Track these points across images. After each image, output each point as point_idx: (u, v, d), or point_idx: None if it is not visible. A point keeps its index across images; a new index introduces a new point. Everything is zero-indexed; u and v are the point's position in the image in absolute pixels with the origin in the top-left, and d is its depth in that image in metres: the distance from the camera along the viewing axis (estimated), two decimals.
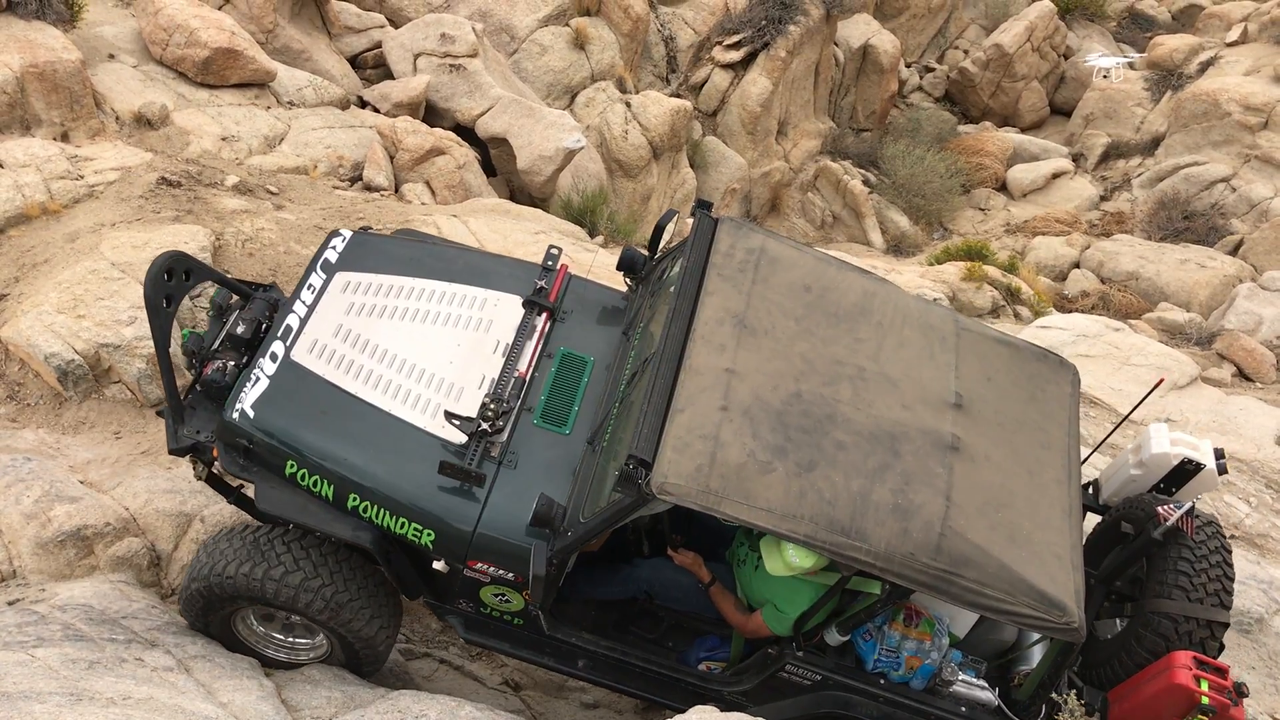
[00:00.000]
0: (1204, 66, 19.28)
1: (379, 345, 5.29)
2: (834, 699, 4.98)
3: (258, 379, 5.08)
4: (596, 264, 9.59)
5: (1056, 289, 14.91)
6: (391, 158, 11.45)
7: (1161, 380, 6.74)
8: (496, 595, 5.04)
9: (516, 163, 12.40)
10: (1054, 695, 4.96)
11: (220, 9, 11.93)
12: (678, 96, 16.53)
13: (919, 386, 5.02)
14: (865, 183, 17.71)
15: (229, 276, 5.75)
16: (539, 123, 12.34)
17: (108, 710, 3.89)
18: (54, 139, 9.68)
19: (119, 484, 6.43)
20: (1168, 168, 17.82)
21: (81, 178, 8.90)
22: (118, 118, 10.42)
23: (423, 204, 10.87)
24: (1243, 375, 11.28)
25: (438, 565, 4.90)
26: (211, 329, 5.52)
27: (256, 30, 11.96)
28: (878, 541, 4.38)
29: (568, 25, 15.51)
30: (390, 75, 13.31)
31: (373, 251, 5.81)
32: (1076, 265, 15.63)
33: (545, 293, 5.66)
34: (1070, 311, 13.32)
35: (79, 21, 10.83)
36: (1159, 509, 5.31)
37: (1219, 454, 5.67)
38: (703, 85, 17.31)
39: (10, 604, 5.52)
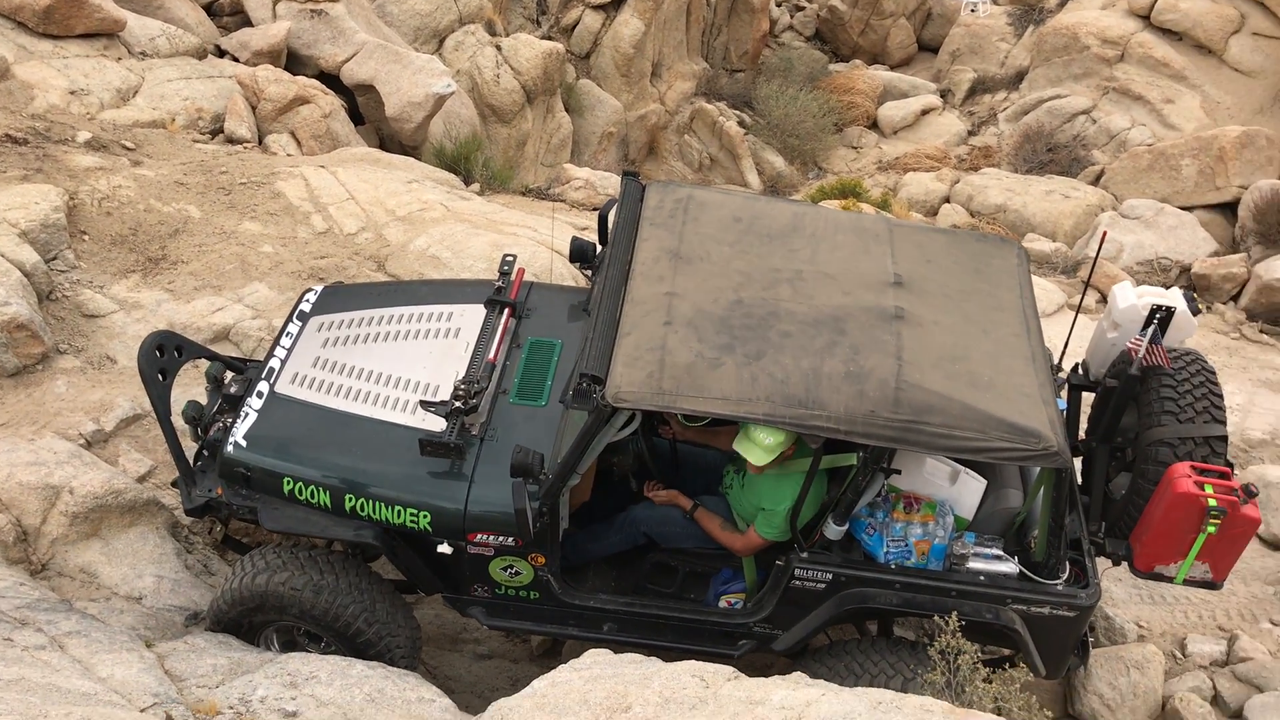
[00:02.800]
0: (1063, 1, 19.75)
1: (355, 366, 5.62)
2: (853, 596, 5.03)
3: (247, 414, 5.43)
4: (474, 212, 9.44)
5: (928, 223, 15.21)
6: (253, 108, 11.03)
7: (1105, 233, 7.00)
8: (506, 569, 5.21)
9: (385, 110, 12.07)
10: (1088, 544, 5.08)
11: None
12: (549, 39, 16.26)
13: (858, 275, 5.16)
14: (740, 124, 17.75)
15: (219, 353, 6.10)
16: (407, 68, 12.00)
17: None
18: None
19: None
20: (1031, 101, 18.25)
21: None
22: None
23: (288, 155, 10.51)
24: (1106, 301, 11.68)
25: (442, 548, 5.09)
26: (211, 398, 5.81)
27: None
28: (836, 407, 4.52)
29: None
30: (249, 22, 12.77)
31: (343, 296, 6.20)
32: (947, 200, 15.93)
33: (505, 291, 5.91)
34: None
35: None
36: (1128, 346, 5.37)
37: (1189, 296, 5.69)
38: (574, 27, 17.08)
39: None
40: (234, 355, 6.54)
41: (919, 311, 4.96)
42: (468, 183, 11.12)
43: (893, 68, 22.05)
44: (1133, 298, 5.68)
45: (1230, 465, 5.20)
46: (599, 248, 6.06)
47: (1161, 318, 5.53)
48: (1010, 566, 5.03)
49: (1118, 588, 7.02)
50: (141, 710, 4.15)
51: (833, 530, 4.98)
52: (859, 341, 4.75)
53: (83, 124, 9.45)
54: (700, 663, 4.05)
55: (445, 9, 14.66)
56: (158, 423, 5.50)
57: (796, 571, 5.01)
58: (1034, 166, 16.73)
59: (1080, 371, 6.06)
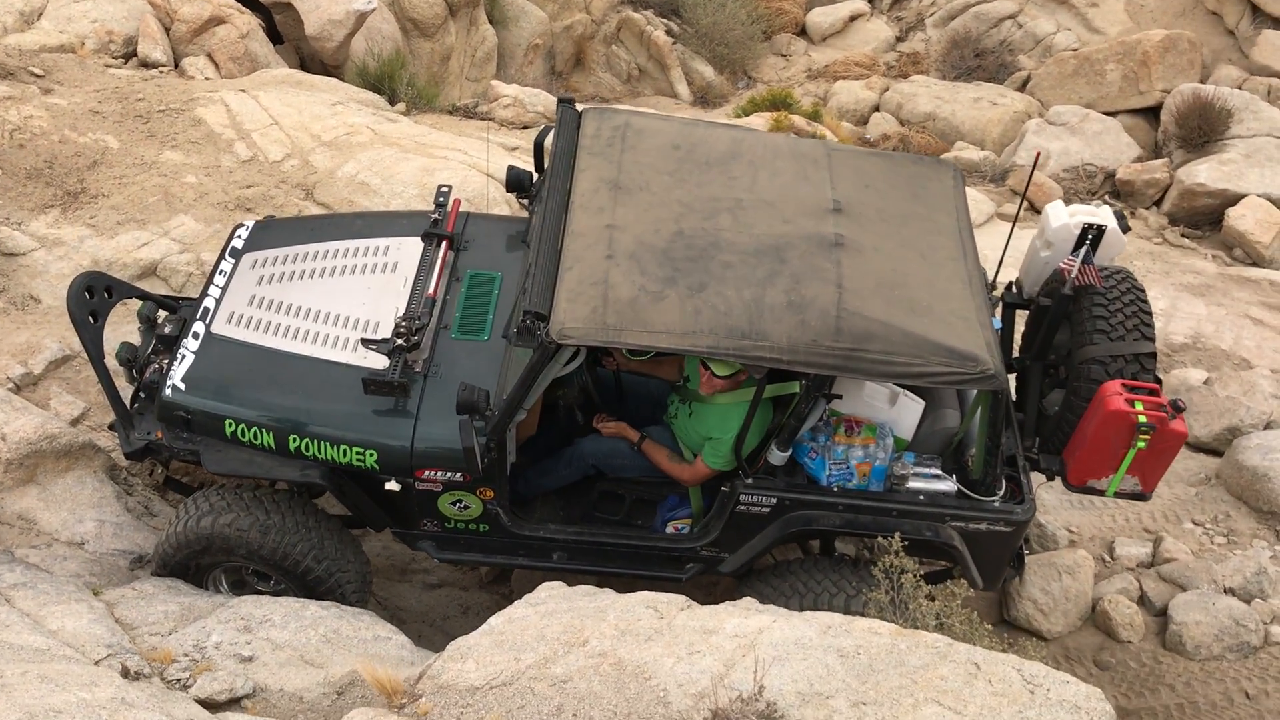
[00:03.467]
0: None
1: (292, 303, 5.52)
2: (796, 519, 5.15)
3: (184, 356, 5.32)
4: (403, 135, 9.25)
5: (859, 133, 15.18)
6: (167, 30, 10.62)
7: (1039, 154, 7.08)
8: (455, 503, 5.22)
9: (305, 29, 11.69)
10: (1022, 460, 5.26)
11: None
12: None
13: (797, 202, 5.18)
14: (669, 33, 17.44)
15: (151, 292, 5.94)
16: None
17: None
18: None
19: None
20: (958, 6, 18.16)
21: None
22: None
23: (206, 79, 10.17)
24: (1035, 209, 11.82)
25: (390, 485, 5.09)
26: (144, 339, 5.71)
27: None
28: (779, 337, 4.58)
29: None
30: None
31: (275, 231, 6.05)
32: (877, 108, 15.87)
33: (441, 224, 5.82)
34: None
35: None
36: (1060, 265, 5.47)
37: (1119, 215, 5.79)
38: None
39: None
40: (165, 294, 6.39)
41: (858, 238, 5.01)
42: (393, 102, 10.86)
43: None
44: (1065, 217, 5.76)
45: (1158, 381, 5.36)
46: (535, 176, 6.01)
47: (1093, 237, 5.61)
48: (949, 485, 5.18)
49: (1049, 494, 7.24)
50: (96, 662, 4.13)
51: (776, 456, 5.07)
52: (800, 270, 4.79)
53: None
54: (653, 594, 4.13)
55: None
56: (91, 366, 5.39)
57: (742, 497, 5.10)
58: (962, 73, 16.72)
59: (1014, 290, 6.17)
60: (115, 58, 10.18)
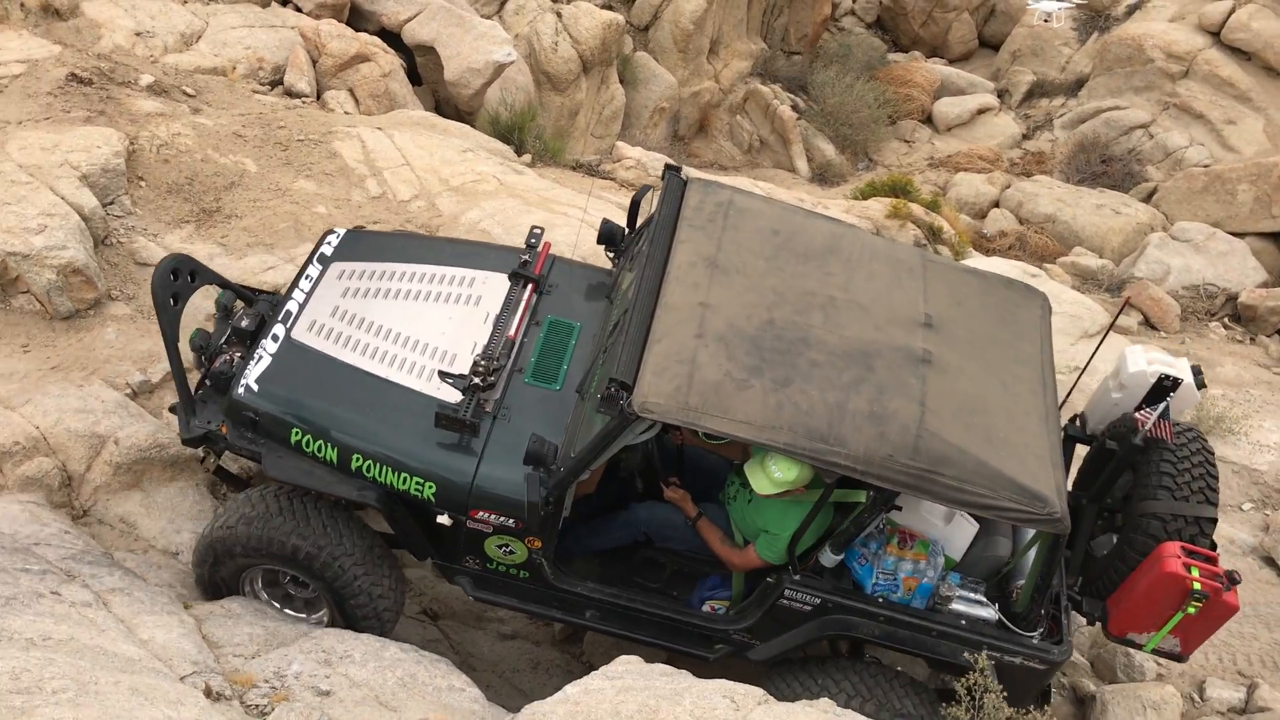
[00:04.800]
0: (1131, 9, 19.45)
1: (374, 321, 5.58)
2: (836, 622, 5.11)
3: (261, 357, 5.38)
4: (527, 187, 9.45)
5: (976, 227, 15.09)
6: (314, 62, 11.04)
7: (1128, 299, 6.98)
8: (501, 547, 5.22)
9: (444, 73, 12.06)
10: (1064, 600, 5.17)
11: None
12: (609, 9, 16.16)
13: (889, 310, 5.17)
14: (794, 108, 17.63)
15: (232, 282, 6.06)
16: (468, 33, 11.98)
17: (29, 653, 3.80)
18: None
19: (28, 401, 6.22)
20: (1089, 110, 18.03)
21: None
22: (23, 5, 9.85)
23: (346, 113, 10.53)
24: (1149, 324, 11.60)
25: (442, 519, 5.10)
26: (218, 328, 5.82)
27: None
28: (856, 446, 4.55)
29: None
30: None
31: (365, 244, 6.14)
32: (996, 204, 15.80)
33: (530, 266, 5.89)
34: (989, 252, 13.52)
35: None
36: (1136, 415, 5.43)
37: (1196, 370, 5.76)
38: None
39: None
40: (246, 285, 6.44)
41: (945, 357, 4.99)
42: (520, 153, 11.11)
43: (951, 62, 21.81)
44: (1142, 364, 5.74)
45: (1214, 546, 5.34)
46: (627, 232, 6.12)
47: (1169, 387, 5.58)
48: (990, 613, 5.13)
49: None
50: (182, 678, 4.24)
51: (828, 559, 5.06)
52: (885, 381, 4.78)
53: (146, 67, 9.49)
54: (731, 683, 4.10)
55: None
56: (165, 347, 5.46)
57: (786, 592, 5.07)
58: (1086, 177, 16.55)
59: (1078, 424, 6.13)
60: (262, 84, 10.60)
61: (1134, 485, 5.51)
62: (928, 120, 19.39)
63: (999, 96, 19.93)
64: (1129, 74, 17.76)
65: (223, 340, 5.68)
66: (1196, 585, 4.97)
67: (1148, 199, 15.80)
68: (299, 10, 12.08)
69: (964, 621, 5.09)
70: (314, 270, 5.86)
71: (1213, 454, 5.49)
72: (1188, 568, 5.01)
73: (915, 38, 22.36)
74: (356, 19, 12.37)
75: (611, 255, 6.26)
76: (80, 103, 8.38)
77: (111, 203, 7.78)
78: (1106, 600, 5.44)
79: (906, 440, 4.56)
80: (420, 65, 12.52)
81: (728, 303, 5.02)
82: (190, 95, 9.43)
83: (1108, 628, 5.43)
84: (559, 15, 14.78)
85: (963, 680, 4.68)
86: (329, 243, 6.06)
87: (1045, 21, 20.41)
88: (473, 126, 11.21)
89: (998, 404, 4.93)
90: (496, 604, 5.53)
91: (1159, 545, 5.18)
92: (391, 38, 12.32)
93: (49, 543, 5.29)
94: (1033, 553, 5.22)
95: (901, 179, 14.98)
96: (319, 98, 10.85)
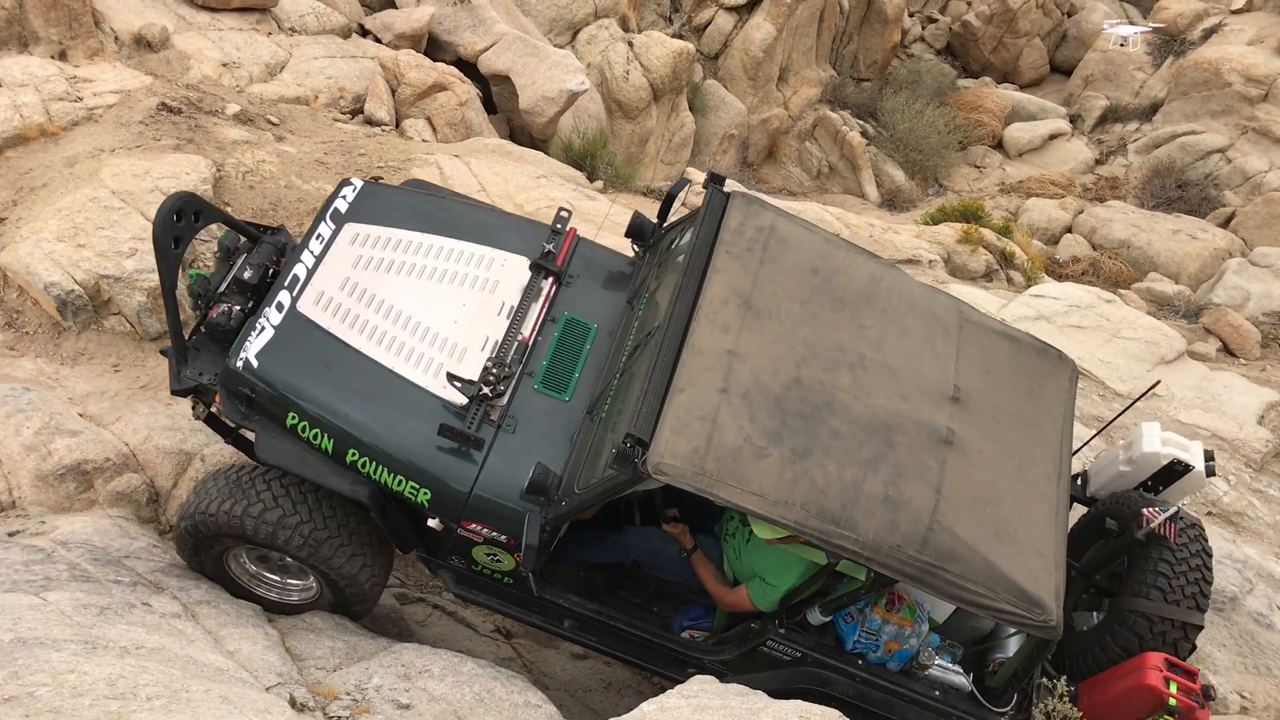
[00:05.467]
0: (1207, 33, 19.19)
1: (385, 301, 5.31)
2: (811, 675, 5.08)
3: (263, 329, 5.10)
4: (599, 213, 9.57)
5: (1048, 253, 14.95)
6: (393, 91, 11.31)
7: (1157, 383, 6.92)
8: (489, 555, 5.10)
9: (519, 102, 12.27)
10: (1038, 681, 5.09)
11: None
12: (680, 38, 16.33)
13: (918, 377, 5.04)
14: (863, 134, 17.63)
15: (237, 219, 5.74)
16: (543, 62, 12.18)
17: (123, 661, 3.93)
18: (51, 58, 9.50)
19: (119, 419, 6.42)
20: (1165, 134, 17.81)
21: (80, 100, 8.76)
22: (117, 38, 10.23)
23: (424, 141, 10.76)
24: (1228, 351, 11.39)
25: (433, 523, 4.95)
26: (218, 271, 5.56)
27: None
28: (866, 531, 4.45)
29: None
30: (393, 4, 13.08)
31: (382, 203, 5.79)
32: (1069, 230, 15.65)
33: (553, 256, 5.68)
34: (1062, 277, 13.38)
35: None
36: (1144, 510, 5.41)
37: (1208, 456, 5.77)
38: (706, 27, 17.12)
39: (10, 535, 5.54)
40: (251, 222, 6.16)
41: (966, 438, 4.89)
42: (592, 179, 11.26)
43: (1023, 88, 21.66)
44: (1157, 444, 5.76)
45: (1194, 648, 5.36)
46: (656, 226, 5.93)
47: (1180, 472, 5.63)
48: (964, 682, 5.10)
49: (1221, 653, 6.89)
50: (267, 689, 4.35)
51: (815, 618, 5.00)
52: (904, 462, 4.67)
53: (233, 96, 9.79)
54: (808, 705, 4.12)
55: (582, 2, 14.81)
56: (162, 293, 5.27)
57: (769, 641, 5.03)
58: (1161, 203, 16.33)
59: (1079, 482, 6.08)
60: (343, 113, 10.88)
61: (1127, 576, 5.48)
62: (998, 146, 19.26)
63: (1071, 122, 19.75)
64: (1205, 98, 17.51)
65: (221, 288, 5.44)
66: (1172, 701, 4.98)
67: (1225, 224, 15.56)
68: (378, 41, 12.39)
69: (938, 692, 5.07)
70: (325, 230, 5.54)
71: (1210, 556, 5.44)
72: (1167, 682, 5.01)
73: (985, 63, 22.24)
74: (434, 49, 12.65)
75: (637, 250, 6.02)
76: (170, 131, 8.67)
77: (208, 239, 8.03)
78: (1080, 684, 5.38)
79: (917, 531, 4.48)
80: (495, 94, 12.76)
81: (756, 352, 4.86)
82: (274, 124, 9.70)
83: (1076, 705, 5.30)
84: (630, 45, 14.97)
85: (1041, 705, 4.64)
86: (344, 196, 5.74)
87: (1121, 46, 20.19)
88: (546, 154, 11.38)
89: (1011, 494, 4.84)
90: (477, 603, 5.40)
91: (1143, 654, 5.18)
92: (468, 67, 12.57)
93: (138, 556, 5.45)
94: (1017, 638, 5.22)
95: (972, 204, 14.90)
96: (398, 126, 11.10)
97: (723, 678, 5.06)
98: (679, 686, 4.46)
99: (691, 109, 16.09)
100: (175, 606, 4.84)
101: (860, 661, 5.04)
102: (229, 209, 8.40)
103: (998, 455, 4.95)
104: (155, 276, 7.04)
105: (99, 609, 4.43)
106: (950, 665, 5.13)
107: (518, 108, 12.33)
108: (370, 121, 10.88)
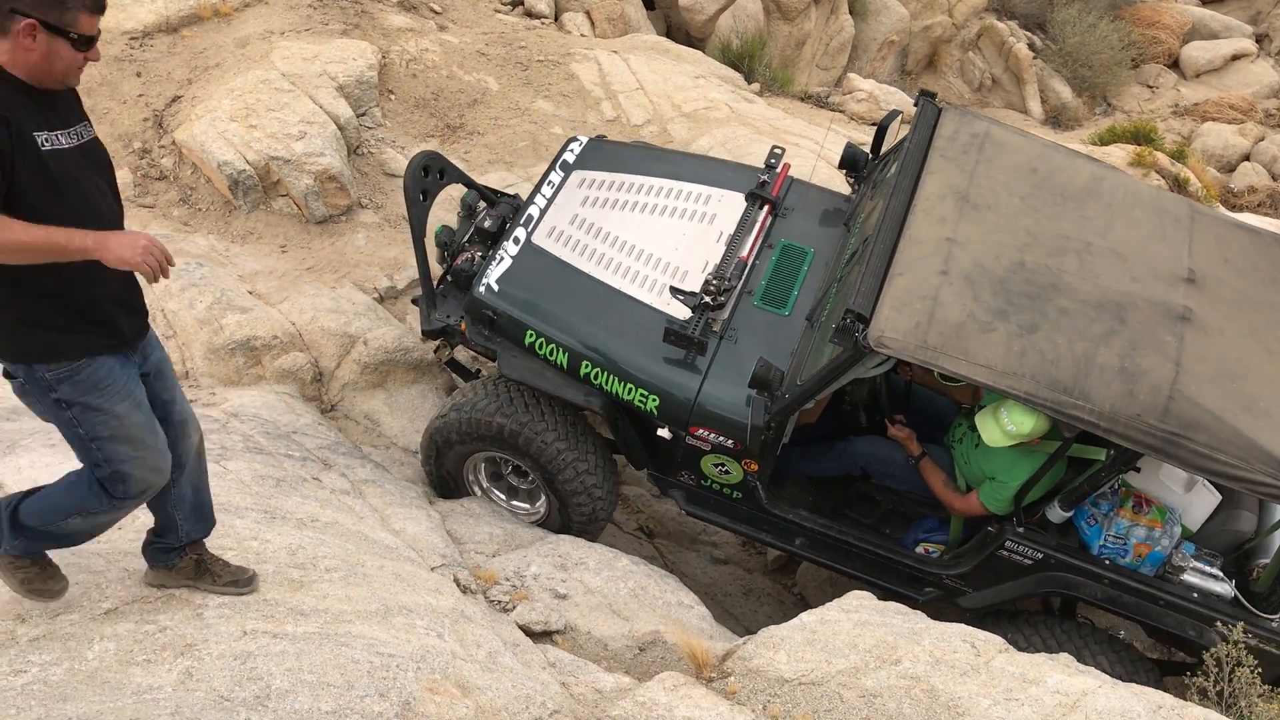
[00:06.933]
0: None
1: (611, 232, 5.67)
2: (1056, 579, 4.94)
3: (502, 259, 5.53)
4: (757, 115, 9.35)
5: (1223, 181, 14.12)
6: None
7: None
8: (717, 465, 5.23)
9: None
10: None
11: None
12: None
13: (1149, 261, 4.88)
14: (1030, 47, 16.76)
15: (476, 182, 6.27)
16: None
17: (301, 532, 4.05)
18: None
19: (285, 299, 6.58)
20: None
21: None
22: None
23: (582, 35, 10.62)
24: None
25: (662, 432, 5.17)
26: (462, 226, 6.05)
27: None
28: (1102, 401, 4.31)
29: None
30: None
31: (607, 154, 6.22)
32: (1247, 158, 14.73)
33: (768, 187, 5.85)
34: (1237, 208, 12.67)
35: None
36: None
37: None
38: None
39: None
40: (489, 187, 6.55)
41: (1206, 316, 4.66)
42: (749, 81, 10.99)
43: (1205, 3, 20.30)
44: None
45: None
46: (871, 158, 6.00)
47: None
48: (1226, 588, 4.83)
49: None
50: (432, 569, 4.45)
51: (1056, 514, 4.84)
52: (1139, 336, 4.50)
53: None
54: (971, 629, 4.04)
55: None
56: (412, 240, 5.66)
57: (1007, 543, 4.89)
58: None
59: None
60: (504, 4, 10.77)
61: None
62: (1174, 65, 18.15)
63: (1257, 41, 18.48)
64: None
65: (465, 238, 5.88)
66: None
67: None
68: None
69: (1196, 595, 4.82)
70: (556, 177, 5.97)
71: None
72: None
73: None
74: None
75: (852, 181, 6.13)
76: (337, 16, 8.72)
77: (364, 114, 8.10)
78: None
79: (1157, 400, 4.29)
80: None
81: (976, 240, 4.80)
82: (437, 13, 9.67)
83: None
84: None
85: (1212, 652, 4.45)
86: (571, 150, 6.17)
87: None
88: (704, 53, 11.13)
89: (1261, 371, 4.57)
90: (708, 520, 5.53)
91: None
92: None
93: (305, 432, 5.61)
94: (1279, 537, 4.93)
95: (1144, 126, 14.11)
96: (557, 19, 10.97)
97: (961, 595, 5.14)
98: (837, 600, 4.42)
99: (851, 12, 15.50)
100: (344, 483, 4.96)
101: (1108, 563, 4.87)
102: (392, 96, 8.45)
103: (1241, 336, 4.71)
104: (323, 160, 7.26)
105: (275, 480, 4.57)
106: (1209, 569, 4.90)
107: (676, 4, 12.07)
108: (530, 14, 10.75)
